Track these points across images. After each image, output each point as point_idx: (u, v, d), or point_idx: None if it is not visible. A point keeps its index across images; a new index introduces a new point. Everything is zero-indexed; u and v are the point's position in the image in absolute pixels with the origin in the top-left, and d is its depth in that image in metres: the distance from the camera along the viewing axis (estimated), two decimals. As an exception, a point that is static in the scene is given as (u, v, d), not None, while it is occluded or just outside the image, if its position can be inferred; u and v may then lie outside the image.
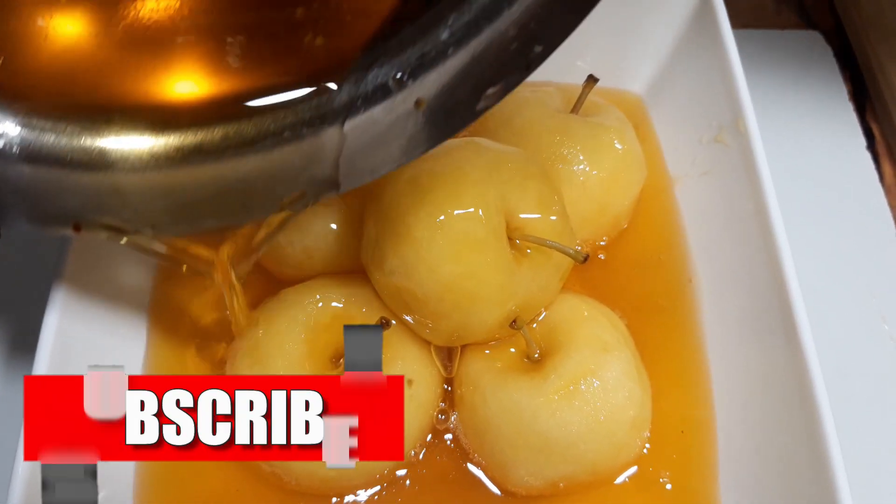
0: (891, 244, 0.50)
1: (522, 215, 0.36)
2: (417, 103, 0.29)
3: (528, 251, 0.36)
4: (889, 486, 0.42)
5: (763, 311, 0.38)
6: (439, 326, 0.36)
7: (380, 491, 0.37)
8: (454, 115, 0.29)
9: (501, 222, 0.36)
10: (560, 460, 0.35)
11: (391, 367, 0.37)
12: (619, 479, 0.38)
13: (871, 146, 0.53)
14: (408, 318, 0.37)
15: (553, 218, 0.37)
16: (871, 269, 0.48)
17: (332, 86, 0.29)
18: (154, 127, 0.29)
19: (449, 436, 0.39)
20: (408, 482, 0.38)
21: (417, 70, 0.29)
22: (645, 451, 0.38)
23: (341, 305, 0.38)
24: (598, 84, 0.43)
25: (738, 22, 0.45)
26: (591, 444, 0.35)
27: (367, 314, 0.38)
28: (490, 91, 0.29)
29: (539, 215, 0.37)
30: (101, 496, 0.35)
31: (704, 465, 0.38)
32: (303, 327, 0.37)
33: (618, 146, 0.43)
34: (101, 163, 0.28)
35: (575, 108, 0.44)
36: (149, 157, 0.29)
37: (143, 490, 0.37)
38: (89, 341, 0.36)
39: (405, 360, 0.37)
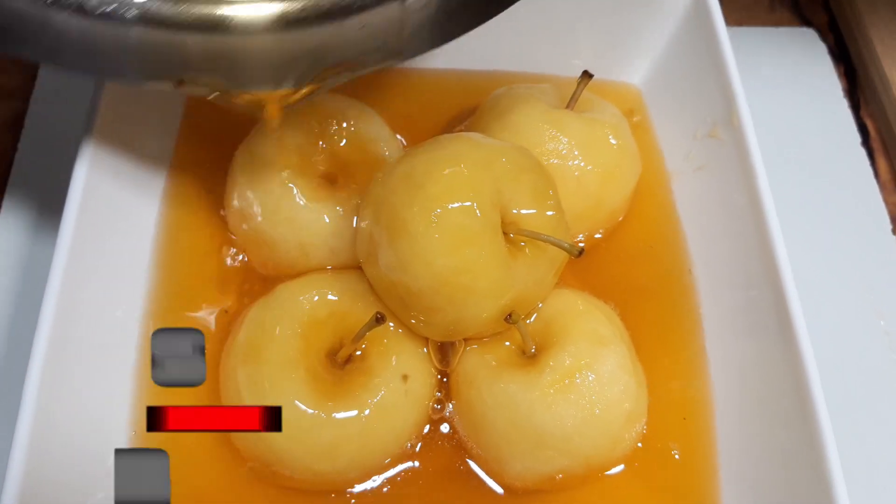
0: (886, 240, 0.50)
1: (517, 210, 0.36)
2: None
3: (523, 245, 0.36)
4: (882, 478, 0.42)
5: (758, 305, 0.38)
6: (434, 321, 0.36)
7: (378, 485, 0.37)
8: None
9: (496, 216, 0.36)
10: (556, 454, 0.35)
11: (386, 362, 0.37)
12: (617, 470, 0.38)
13: (866, 142, 0.54)
14: (403, 312, 0.37)
15: (548, 212, 0.37)
16: (867, 264, 0.49)
17: None
18: None
19: (445, 426, 0.39)
20: (406, 475, 0.38)
21: None
22: (640, 443, 0.38)
23: (336, 301, 0.38)
24: (597, 76, 0.43)
25: (732, 19, 0.45)
26: (586, 437, 0.35)
27: (362, 309, 0.38)
28: None
29: (534, 210, 0.37)
30: (100, 496, 0.35)
31: (702, 457, 0.38)
32: (298, 323, 0.37)
33: (613, 141, 0.43)
34: (213, 27, 0.33)
35: (570, 104, 0.44)
36: (252, 24, 0.33)
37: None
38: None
39: (400, 356, 0.37)
